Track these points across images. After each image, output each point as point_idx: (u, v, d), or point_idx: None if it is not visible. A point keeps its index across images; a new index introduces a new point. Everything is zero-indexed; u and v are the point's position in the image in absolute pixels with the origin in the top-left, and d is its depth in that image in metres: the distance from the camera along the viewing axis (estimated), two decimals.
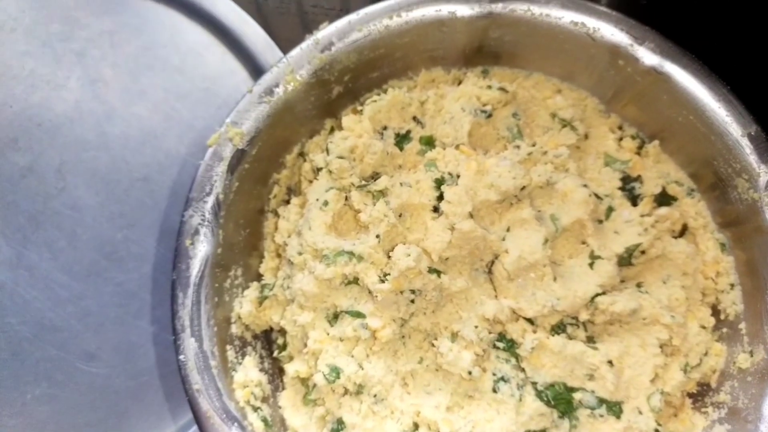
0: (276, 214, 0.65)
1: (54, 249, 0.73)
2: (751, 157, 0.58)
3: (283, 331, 0.62)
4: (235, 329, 0.61)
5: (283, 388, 0.62)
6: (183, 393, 0.57)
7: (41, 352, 0.71)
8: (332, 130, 0.66)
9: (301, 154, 0.66)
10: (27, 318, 0.72)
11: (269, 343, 0.64)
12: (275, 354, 0.63)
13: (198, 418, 0.55)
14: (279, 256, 0.65)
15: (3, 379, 0.71)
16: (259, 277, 0.64)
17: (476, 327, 0.57)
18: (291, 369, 0.60)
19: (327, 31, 0.62)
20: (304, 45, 0.62)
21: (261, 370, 0.61)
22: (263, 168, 0.63)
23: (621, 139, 0.67)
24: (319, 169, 0.62)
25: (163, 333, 0.73)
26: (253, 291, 0.62)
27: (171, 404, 0.71)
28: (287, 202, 0.66)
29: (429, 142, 0.63)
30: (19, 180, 0.74)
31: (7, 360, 0.71)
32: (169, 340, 0.71)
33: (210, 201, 0.59)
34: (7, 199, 0.73)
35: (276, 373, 0.63)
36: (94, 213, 0.74)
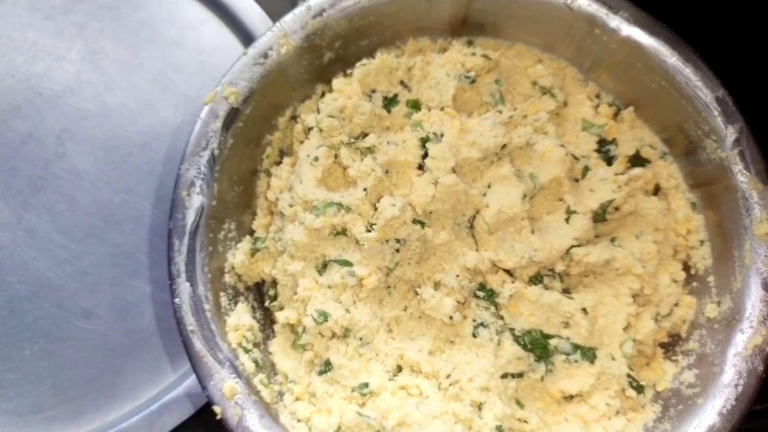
0: (268, 174, 0.68)
1: (53, 212, 0.76)
2: (719, 118, 0.62)
3: (274, 283, 0.65)
4: (228, 278, 0.63)
5: (274, 337, 0.65)
6: (180, 346, 0.59)
7: (39, 310, 0.74)
8: (323, 94, 0.69)
9: (294, 118, 0.69)
10: (26, 277, 0.74)
11: (261, 295, 0.67)
12: (266, 303, 0.66)
13: (192, 358, 0.57)
14: (271, 213, 0.68)
15: (2, 335, 0.73)
16: (251, 232, 0.67)
17: (457, 276, 0.60)
18: (281, 316, 0.63)
19: None
20: (297, 11, 0.65)
21: (253, 317, 0.63)
22: (257, 129, 0.66)
23: (598, 106, 0.70)
24: (310, 129, 0.65)
25: (159, 292, 0.75)
26: (245, 244, 0.65)
27: (170, 357, 0.73)
28: (279, 163, 0.69)
29: (415, 106, 0.66)
30: (20, 146, 0.77)
31: (6, 317, 0.73)
32: (165, 299, 0.74)
33: (205, 156, 0.62)
34: (8, 164, 0.76)
35: (267, 324, 0.66)
36: (92, 178, 0.77)
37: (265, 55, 0.64)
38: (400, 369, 0.60)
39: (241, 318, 0.61)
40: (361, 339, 0.60)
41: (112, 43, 0.81)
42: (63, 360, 0.73)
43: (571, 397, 0.61)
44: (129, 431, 0.70)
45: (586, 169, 0.65)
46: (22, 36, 0.80)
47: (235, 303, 0.63)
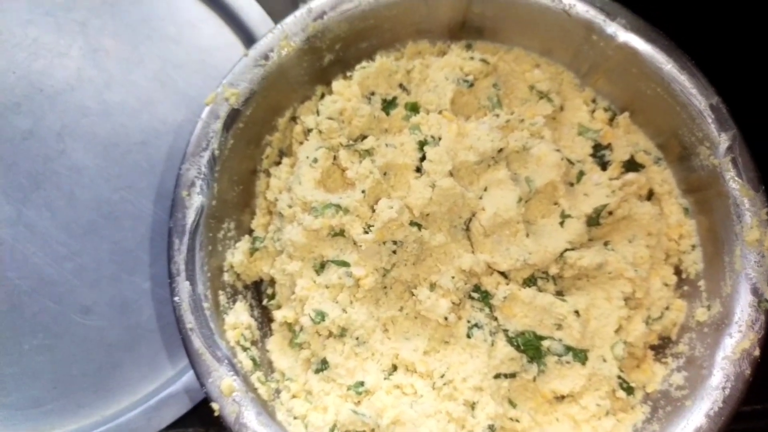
0: (268, 174, 0.69)
1: (53, 208, 0.77)
2: (713, 125, 0.63)
3: (272, 282, 0.66)
4: (227, 277, 0.64)
5: (271, 335, 0.66)
6: (179, 342, 0.60)
7: (39, 305, 0.74)
8: (323, 96, 0.70)
9: (293, 118, 0.70)
10: (26, 273, 0.75)
11: (259, 294, 0.68)
12: (264, 302, 0.67)
13: (191, 356, 0.58)
14: (270, 212, 0.69)
15: (1, 330, 0.74)
16: (250, 232, 0.68)
17: (453, 277, 0.61)
18: (279, 315, 0.63)
19: (320, 0, 0.65)
20: (297, 13, 0.65)
21: (251, 316, 0.64)
22: (257, 129, 0.67)
23: (594, 111, 0.71)
24: (309, 130, 0.66)
25: (158, 289, 0.76)
26: (245, 243, 0.66)
27: (168, 353, 0.74)
28: (279, 163, 0.70)
29: (414, 108, 0.67)
30: (21, 142, 0.77)
31: (5, 312, 0.74)
32: (164, 296, 0.75)
33: (206, 156, 0.62)
34: (8, 160, 0.77)
35: (265, 322, 0.67)
36: (92, 174, 0.78)
37: (266, 57, 0.65)
38: (395, 368, 0.62)
39: (240, 316, 0.62)
40: (357, 338, 0.61)
41: (112, 41, 0.81)
42: (62, 355, 0.74)
43: (563, 397, 0.62)
44: (127, 426, 0.71)
45: (581, 173, 0.66)
46: (24, 32, 0.80)
47: (234, 301, 0.64)
